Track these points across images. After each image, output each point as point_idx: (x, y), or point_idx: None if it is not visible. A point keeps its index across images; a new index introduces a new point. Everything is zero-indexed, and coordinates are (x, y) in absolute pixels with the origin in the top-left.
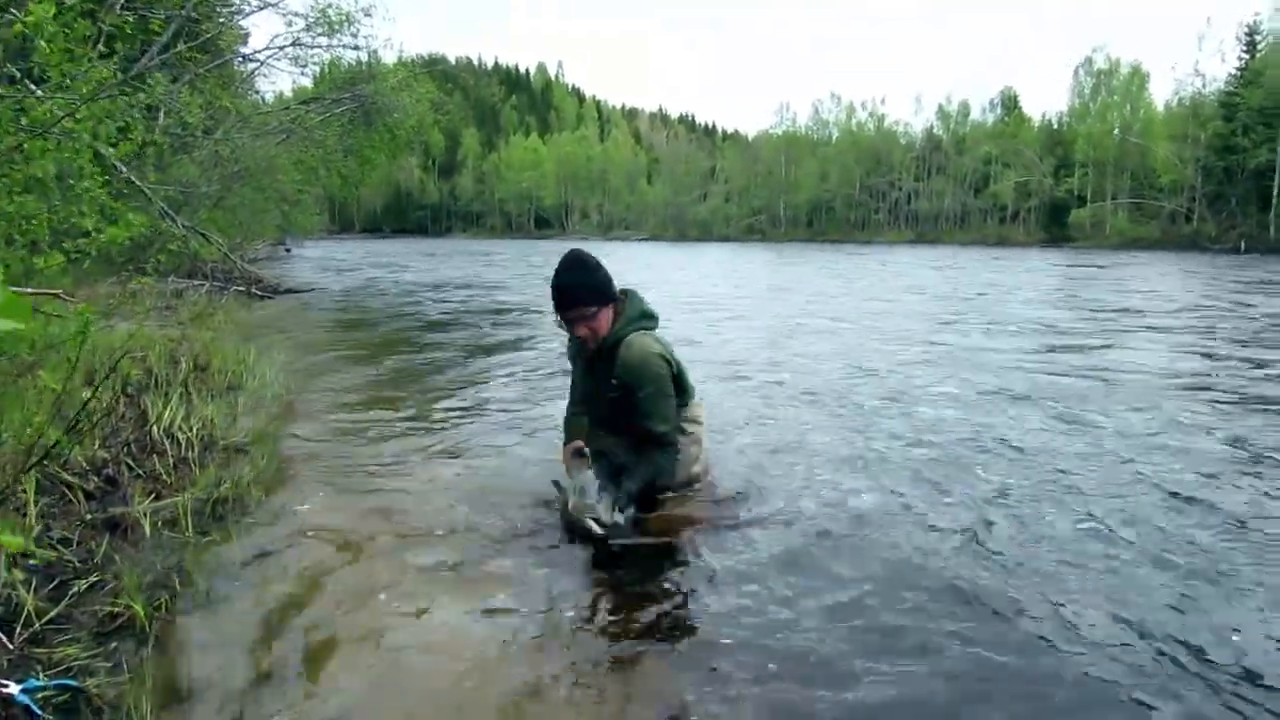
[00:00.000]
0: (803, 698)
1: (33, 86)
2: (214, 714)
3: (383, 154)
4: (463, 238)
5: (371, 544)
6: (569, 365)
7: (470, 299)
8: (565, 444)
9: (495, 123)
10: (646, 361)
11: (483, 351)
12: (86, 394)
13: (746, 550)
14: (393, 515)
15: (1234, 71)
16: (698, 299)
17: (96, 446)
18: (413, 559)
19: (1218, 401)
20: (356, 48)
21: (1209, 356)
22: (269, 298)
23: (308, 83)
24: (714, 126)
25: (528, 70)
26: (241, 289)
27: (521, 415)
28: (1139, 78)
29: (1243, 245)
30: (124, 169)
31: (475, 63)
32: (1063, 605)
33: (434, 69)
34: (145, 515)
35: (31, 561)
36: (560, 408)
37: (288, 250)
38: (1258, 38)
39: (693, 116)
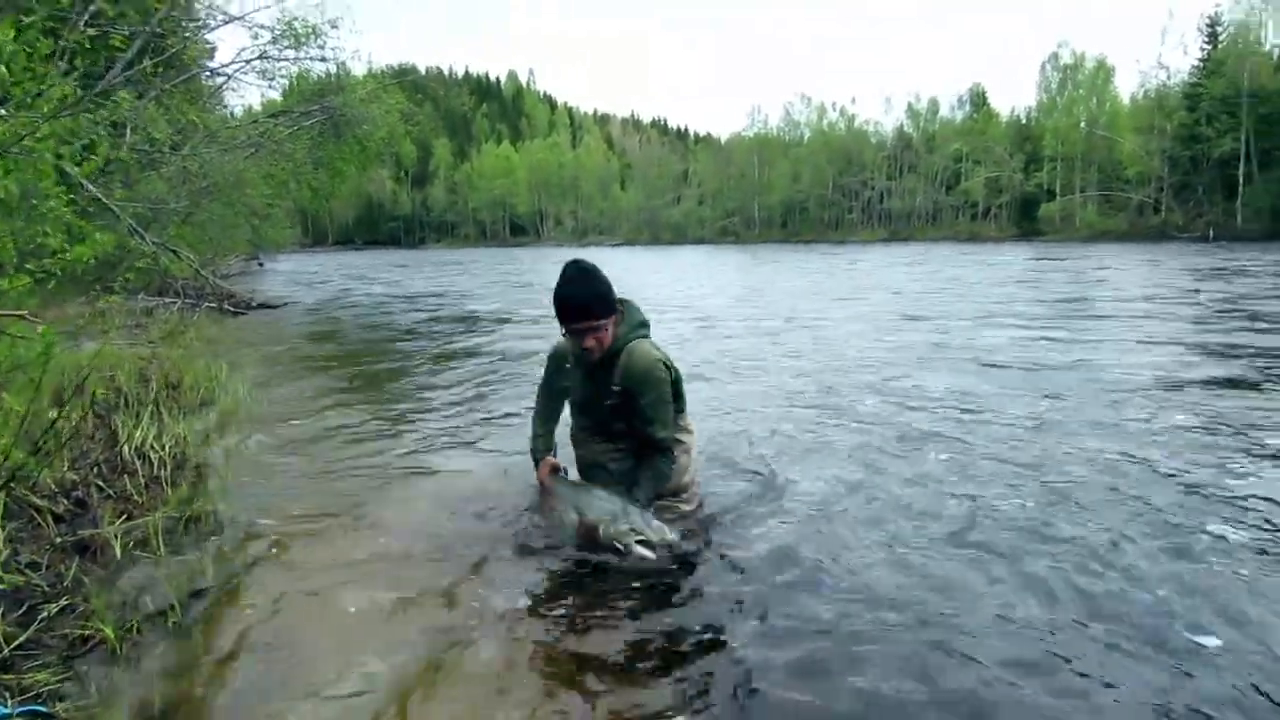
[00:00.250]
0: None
1: None
2: None
3: (353, 166)
4: (437, 248)
5: (346, 559)
6: (541, 378)
7: (441, 309)
8: (537, 464)
9: (467, 132)
10: (650, 368)
11: (454, 361)
12: (53, 415)
13: (735, 550)
14: (367, 530)
15: (1196, 63)
16: (670, 304)
17: (65, 468)
18: (388, 574)
19: (1146, 387)
20: (324, 60)
21: (1151, 342)
22: (241, 313)
23: (276, 96)
24: (686, 130)
25: (498, 78)
26: (213, 305)
27: (494, 423)
28: (1104, 72)
29: (1210, 233)
30: (90, 187)
31: (446, 72)
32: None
33: (404, 79)
34: (116, 536)
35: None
36: (520, 414)
37: (260, 265)
38: (1219, 29)
39: (665, 120)
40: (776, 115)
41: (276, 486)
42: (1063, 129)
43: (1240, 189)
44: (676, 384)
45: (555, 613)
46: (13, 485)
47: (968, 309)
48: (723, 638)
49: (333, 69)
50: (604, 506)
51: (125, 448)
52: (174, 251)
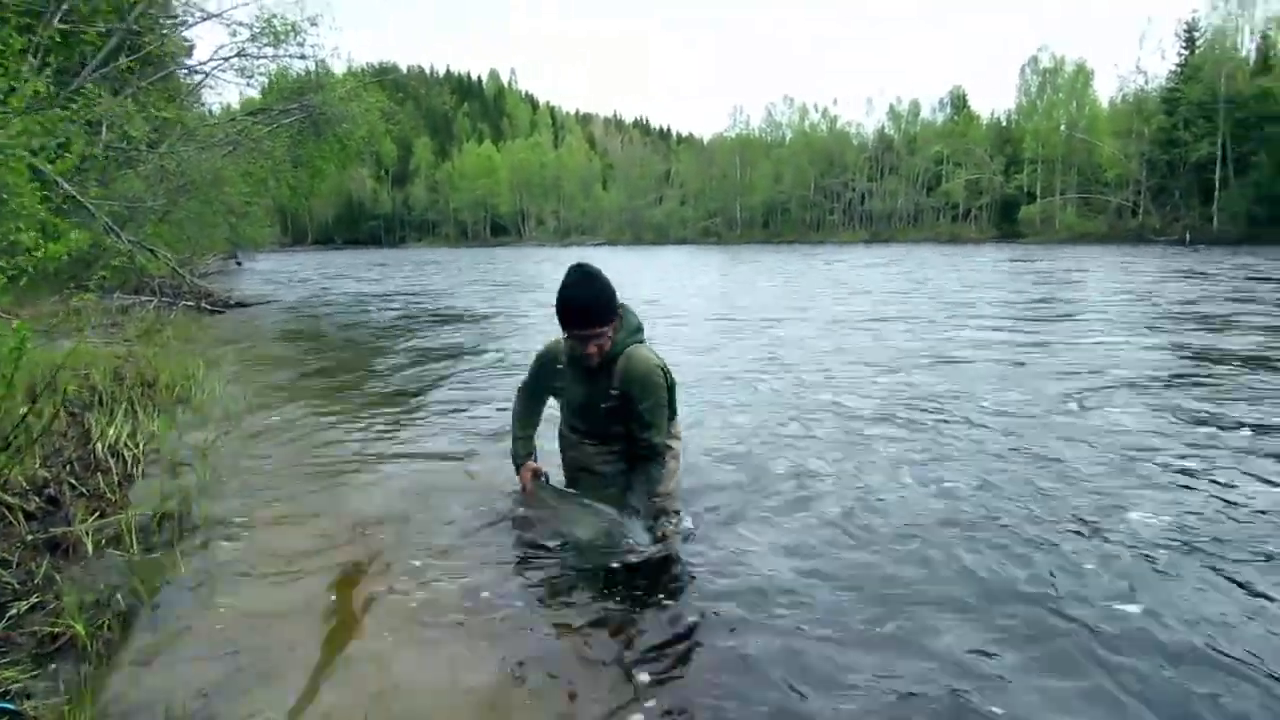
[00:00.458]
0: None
1: None
2: None
3: (333, 164)
4: (417, 247)
5: (319, 556)
6: (525, 379)
7: (418, 308)
8: (519, 469)
9: (448, 131)
10: (650, 374)
11: (428, 359)
12: (25, 411)
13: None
14: (341, 526)
15: (1174, 68)
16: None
17: (37, 465)
18: (361, 569)
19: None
20: (303, 57)
21: (1097, 341)
22: (219, 312)
23: (255, 94)
24: (668, 130)
25: (480, 77)
26: (190, 304)
27: (466, 418)
28: (1083, 76)
29: (1187, 237)
30: (65, 184)
31: (427, 71)
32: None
33: (384, 78)
34: (88, 534)
35: None
36: (496, 412)
37: (238, 264)
38: (1196, 34)
39: (647, 120)
40: (758, 116)
41: (251, 483)
42: (1043, 132)
43: (1216, 193)
44: (671, 390)
45: (536, 608)
46: None
47: (932, 308)
48: (696, 628)
49: (312, 67)
50: (595, 521)
51: (98, 445)
52: (150, 250)
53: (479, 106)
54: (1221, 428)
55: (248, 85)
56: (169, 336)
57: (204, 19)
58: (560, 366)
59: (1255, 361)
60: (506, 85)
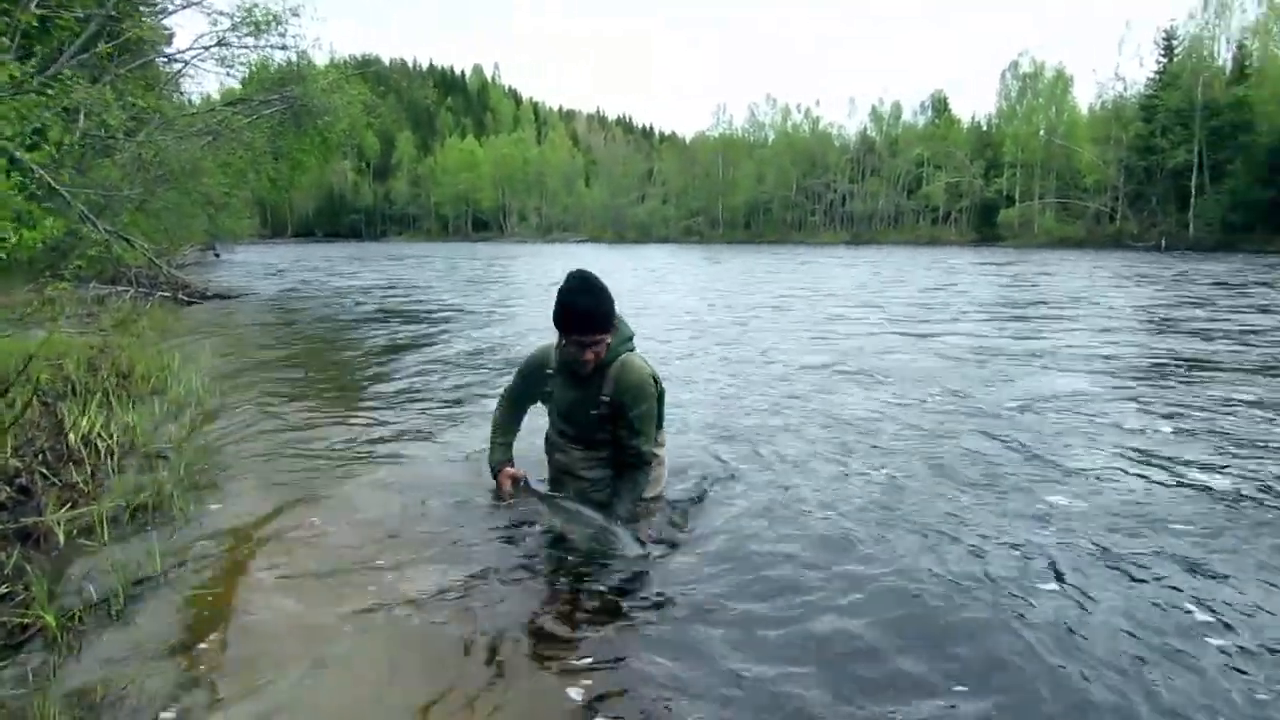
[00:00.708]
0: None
1: None
2: None
3: (314, 157)
4: (398, 241)
5: (293, 548)
6: (510, 386)
7: (396, 302)
8: (496, 474)
9: (430, 125)
10: (643, 383)
11: (404, 352)
12: None
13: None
14: (316, 518)
15: (1152, 75)
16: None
17: (8, 455)
18: (336, 562)
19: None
20: (285, 48)
21: (1044, 339)
22: (196, 303)
23: (235, 84)
24: (651, 128)
25: (463, 72)
26: (167, 294)
27: (441, 412)
28: (1063, 81)
29: (1163, 243)
30: (40, 171)
31: (410, 64)
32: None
33: (367, 70)
34: (59, 524)
35: None
36: (474, 404)
37: (216, 255)
38: (1174, 42)
39: (630, 118)
40: (741, 116)
41: (227, 476)
42: (1022, 136)
43: (1192, 200)
44: (660, 399)
45: (515, 605)
46: None
47: (897, 310)
48: (678, 625)
49: (293, 58)
50: (583, 525)
51: (71, 436)
52: (127, 239)
53: (462, 101)
54: (1131, 428)
55: (228, 75)
56: (145, 327)
57: (184, 6)
58: (550, 372)
59: (1191, 363)
60: (490, 80)
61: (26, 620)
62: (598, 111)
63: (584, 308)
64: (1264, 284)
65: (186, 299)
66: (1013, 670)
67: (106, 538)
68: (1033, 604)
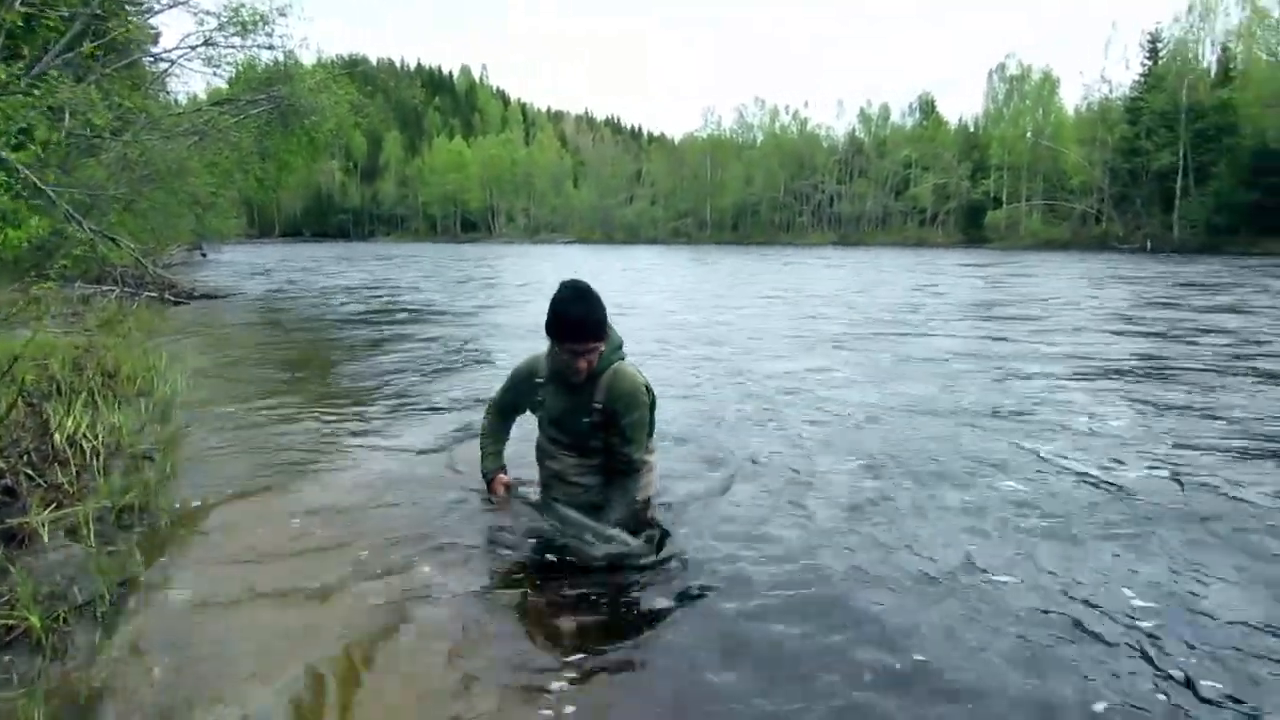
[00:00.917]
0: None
1: None
2: None
3: (301, 157)
4: (386, 241)
5: (280, 549)
6: (498, 395)
7: (382, 302)
8: (490, 481)
9: (418, 125)
10: (636, 391)
11: (389, 352)
12: None
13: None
14: (301, 518)
15: (1138, 77)
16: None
17: None
18: (321, 562)
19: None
20: (272, 48)
21: (1010, 339)
22: (183, 303)
23: (222, 84)
24: (640, 129)
25: (451, 72)
26: (154, 294)
27: (428, 410)
28: (1049, 84)
29: (1148, 245)
30: (26, 171)
31: (398, 64)
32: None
33: (354, 70)
34: (44, 525)
35: None
36: (458, 403)
37: (203, 255)
38: (1159, 45)
39: (619, 119)
40: (730, 117)
41: (213, 476)
42: (1009, 138)
43: (1177, 202)
44: (652, 408)
45: (498, 604)
46: None
47: (872, 310)
48: (665, 625)
49: (280, 58)
50: (579, 532)
51: (56, 436)
52: (113, 239)
53: (450, 101)
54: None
55: (215, 75)
56: (131, 327)
57: (170, 6)
58: (540, 381)
59: (1147, 362)
60: (478, 81)
61: (11, 622)
62: (586, 112)
63: (578, 316)
64: (1237, 284)
65: (173, 299)
66: (933, 653)
67: (92, 538)
68: (958, 588)
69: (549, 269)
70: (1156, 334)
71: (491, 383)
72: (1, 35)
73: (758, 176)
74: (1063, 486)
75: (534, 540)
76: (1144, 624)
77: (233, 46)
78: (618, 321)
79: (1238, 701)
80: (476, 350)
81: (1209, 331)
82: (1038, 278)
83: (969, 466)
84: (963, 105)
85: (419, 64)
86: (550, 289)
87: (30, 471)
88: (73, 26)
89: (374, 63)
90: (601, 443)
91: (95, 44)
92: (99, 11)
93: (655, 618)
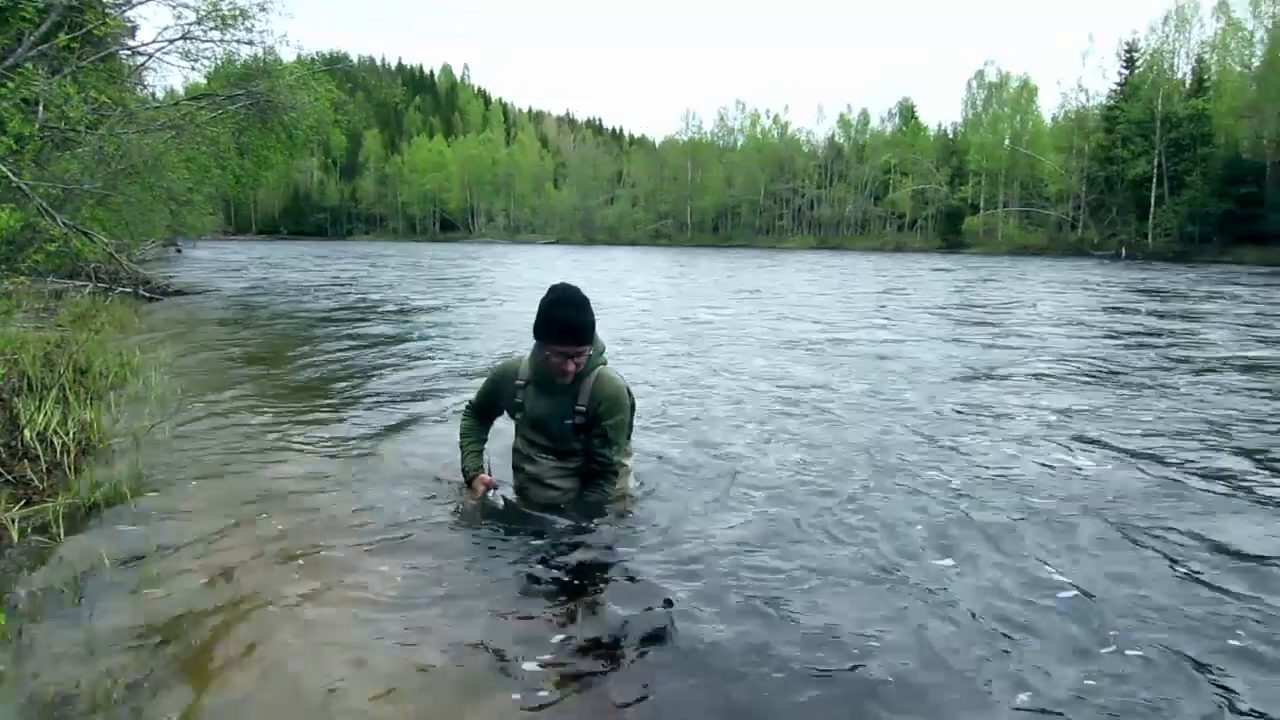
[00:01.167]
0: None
1: None
2: None
3: (279, 153)
4: (364, 240)
5: (252, 546)
6: (477, 397)
7: (358, 300)
8: (469, 481)
9: (398, 124)
10: (619, 395)
11: (362, 348)
12: None
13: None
14: (274, 515)
15: (1114, 86)
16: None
17: None
18: (294, 560)
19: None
20: (251, 43)
21: (965, 341)
22: (157, 299)
23: (200, 79)
24: (621, 131)
25: (432, 71)
26: (128, 290)
27: (400, 407)
28: (1028, 91)
29: (1123, 252)
30: None
31: (379, 62)
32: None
33: (335, 68)
34: (14, 522)
35: None
36: (430, 400)
37: (178, 251)
38: (1136, 54)
39: (600, 120)
40: (710, 120)
41: (185, 472)
42: (987, 145)
43: (1151, 210)
44: (632, 411)
45: (469, 598)
46: None
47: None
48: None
49: (260, 53)
50: (552, 529)
51: (26, 432)
52: (87, 234)
53: (430, 100)
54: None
55: (193, 69)
56: (104, 323)
57: None
58: (520, 383)
59: (1094, 363)
60: (459, 80)
61: None
62: (567, 113)
63: (570, 320)
64: (1194, 292)
65: (147, 295)
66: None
67: (61, 535)
68: (906, 573)
69: (526, 267)
70: (1100, 337)
71: (459, 378)
72: None
73: (738, 179)
74: (992, 479)
75: (507, 535)
76: (1073, 610)
77: (211, 41)
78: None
79: (1163, 678)
80: (446, 348)
81: (1153, 334)
82: (1003, 283)
83: (908, 462)
84: (941, 111)
85: (400, 63)
86: (529, 290)
87: None
88: (48, 18)
89: (355, 60)
90: (581, 445)
91: (71, 36)
92: (74, 3)
93: (608, 617)
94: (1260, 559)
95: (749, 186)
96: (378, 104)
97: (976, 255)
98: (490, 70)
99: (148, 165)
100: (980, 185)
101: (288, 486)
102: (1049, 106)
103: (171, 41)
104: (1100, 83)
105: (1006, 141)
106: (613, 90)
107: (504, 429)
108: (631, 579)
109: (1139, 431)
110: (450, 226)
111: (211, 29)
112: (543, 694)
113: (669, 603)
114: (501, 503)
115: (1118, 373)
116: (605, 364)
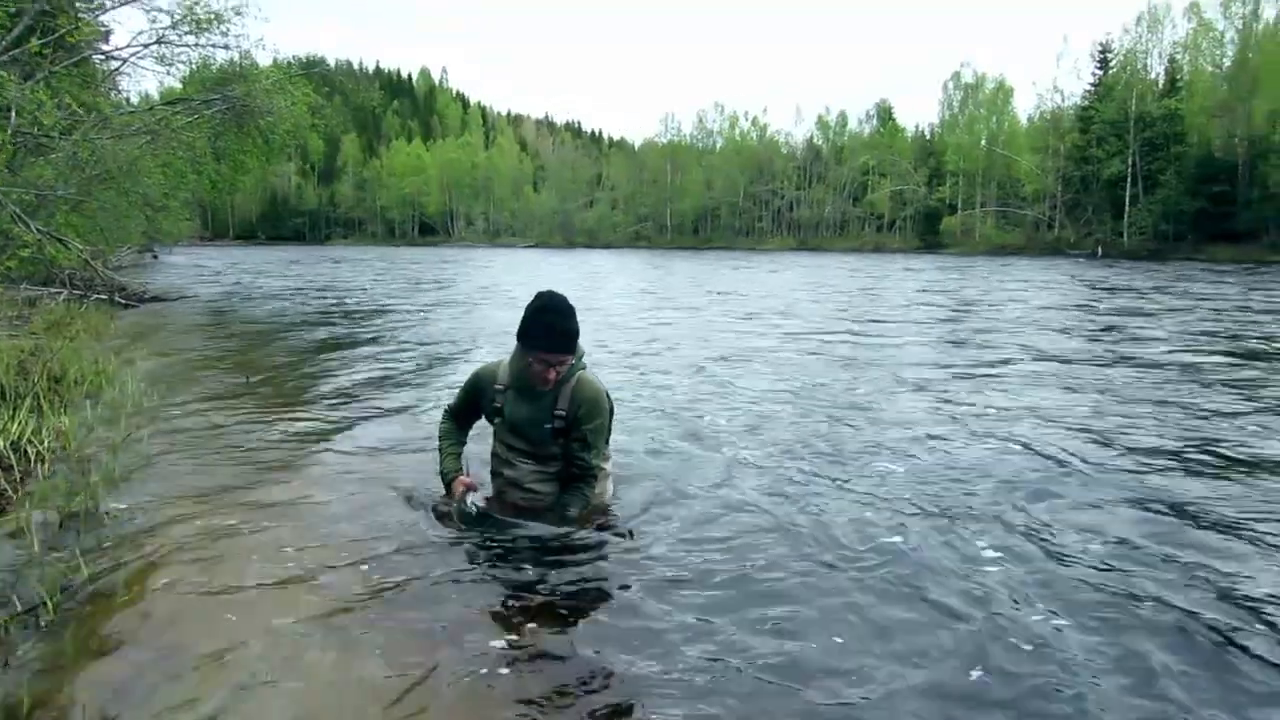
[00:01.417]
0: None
1: None
2: None
3: (256, 158)
4: (343, 245)
5: (228, 553)
6: (455, 400)
7: (333, 304)
8: (449, 485)
9: (376, 128)
10: (599, 399)
11: (339, 353)
12: None
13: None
14: (251, 522)
15: (1089, 87)
16: None
17: None
18: (270, 569)
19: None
20: (227, 48)
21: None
22: (133, 306)
23: (176, 84)
24: (600, 133)
25: (410, 75)
26: (103, 297)
27: (376, 411)
28: (1004, 92)
29: (1099, 251)
30: None
31: (356, 66)
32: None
33: (312, 71)
34: None
35: None
36: (407, 403)
37: (155, 257)
38: (1109, 55)
39: (579, 124)
40: (689, 123)
41: (161, 481)
42: (964, 145)
43: (1126, 209)
44: (610, 416)
45: (449, 604)
46: None
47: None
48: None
49: (236, 57)
50: (529, 533)
51: (0, 441)
52: (61, 240)
53: (409, 104)
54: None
55: (168, 74)
56: (79, 330)
57: (122, 3)
58: (500, 387)
59: (1051, 358)
60: (438, 84)
61: None
62: (546, 116)
63: (555, 328)
64: (1158, 288)
65: (123, 301)
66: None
67: (35, 545)
68: (863, 556)
69: (502, 271)
70: (1058, 330)
71: (435, 384)
72: None
73: (718, 181)
74: (939, 468)
75: (483, 538)
76: (1014, 591)
77: (186, 45)
78: None
79: (1096, 653)
80: (425, 353)
81: (1108, 329)
82: (973, 282)
83: (863, 452)
84: (919, 113)
85: (378, 66)
86: (506, 293)
87: None
88: (20, 22)
89: (332, 64)
90: (560, 449)
91: (43, 41)
92: (47, 8)
93: (582, 622)
94: (1195, 521)
95: (728, 188)
96: (355, 108)
97: (954, 255)
98: (469, 73)
99: (123, 171)
100: (958, 186)
101: (263, 492)
102: (1025, 107)
103: (146, 46)
104: (1075, 83)
105: (983, 142)
106: (592, 93)
107: (481, 432)
108: (607, 582)
109: (1075, 418)
110: (429, 230)
111: (186, 33)
112: (514, 697)
113: (644, 606)
114: (480, 505)
115: (1072, 364)
116: (585, 368)
